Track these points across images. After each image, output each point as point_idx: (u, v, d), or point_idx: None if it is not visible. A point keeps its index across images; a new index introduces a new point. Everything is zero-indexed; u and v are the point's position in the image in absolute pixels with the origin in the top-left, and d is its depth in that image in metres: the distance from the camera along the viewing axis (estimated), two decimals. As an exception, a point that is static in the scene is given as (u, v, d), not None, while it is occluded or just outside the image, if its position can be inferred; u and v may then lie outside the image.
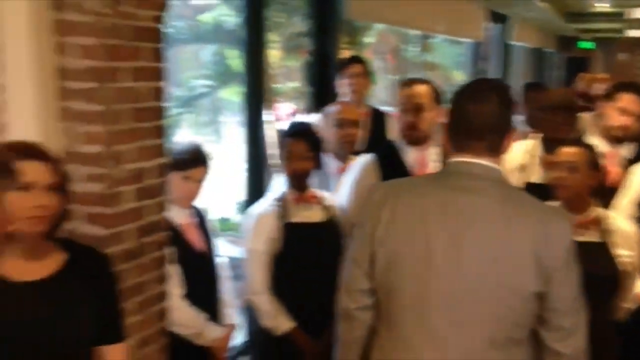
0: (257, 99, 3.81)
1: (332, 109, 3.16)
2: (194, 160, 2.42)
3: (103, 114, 1.96)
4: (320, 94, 4.43)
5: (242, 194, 3.91)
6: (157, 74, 2.14)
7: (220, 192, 5.31)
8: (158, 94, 2.16)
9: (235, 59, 6.47)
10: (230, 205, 5.85)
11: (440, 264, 1.62)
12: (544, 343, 1.69)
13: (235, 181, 6.28)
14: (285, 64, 7.53)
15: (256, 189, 3.72)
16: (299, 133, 2.68)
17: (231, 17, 6.41)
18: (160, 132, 2.18)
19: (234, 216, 6.87)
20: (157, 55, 2.14)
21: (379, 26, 9.18)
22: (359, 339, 1.81)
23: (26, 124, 1.94)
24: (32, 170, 1.59)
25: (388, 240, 1.69)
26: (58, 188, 1.63)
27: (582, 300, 1.71)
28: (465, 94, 1.73)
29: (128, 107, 2.04)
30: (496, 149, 1.68)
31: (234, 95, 7.61)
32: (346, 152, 3.06)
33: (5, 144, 1.68)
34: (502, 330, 1.63)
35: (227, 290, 2.66)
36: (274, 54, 6.18)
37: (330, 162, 3.09)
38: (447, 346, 1.64)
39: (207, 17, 6.47)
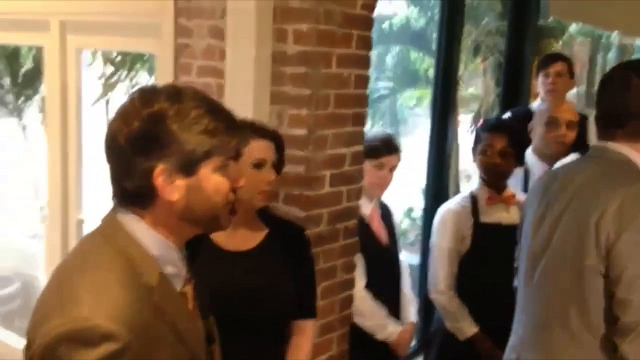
0: (445, 104, 3.74)
1: (544, 106, 2.92)
2: (387, 148, 2.39)
3: (310, 99, 2.00)
4: (510, 96, 4.25)
5: (421, 198, 3.86)
6: (363, 62, 2.15)
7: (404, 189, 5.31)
8: (362, 81, 2.16)
9: (419, 62, 6.44)
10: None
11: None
12: None
13: (415, 184, 6.31)
14: (466, 68, 7.36)
15: (438, 194, 3.67)
16: (499, 127, 2.51)
17: (420, 18, 6.39)
18: (361, 119, 2.18)
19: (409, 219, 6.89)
20: (366, 43, 2.14)
21: (572, 31, 8.62)
22: None
23: (243, 107, 2.04)
24: (264, 148, 1.71)
25: None
26: (279, 166, 1.73)
27: None
28: (607, 79, 1.70)
29: (333, 92, 2.06)
30: (636, 135, 1.62)
31: (414, 98, 7.59)
32: (556, 155, 2.81)
33: (240, 120, 1.78)
34: None
35: (407, 285, 2.61)
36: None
37: (535, 164, 2.88)
38: None
39: (395, 19, 6.50)
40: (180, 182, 1.12)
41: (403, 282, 2.59)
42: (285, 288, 1.75)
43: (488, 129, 2.50)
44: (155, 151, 1.09)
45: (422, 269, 3.42)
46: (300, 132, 2.02)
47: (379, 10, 6.77)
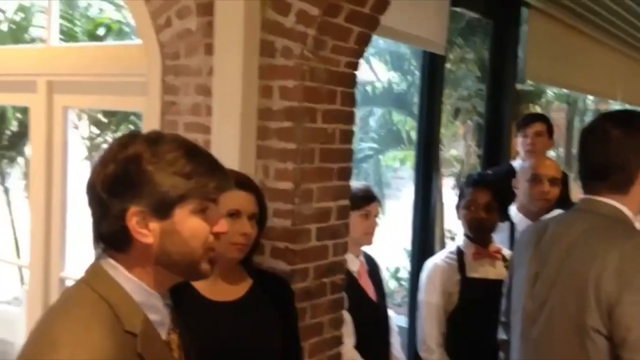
0: (428, 164, 3.80)
1: (527, 163, 2.94)
2: (370, 197, 2.44)
3: (295, 153, 2.03)
4: (491, 157, 4.33)
5: (407, 259, 3.86)
6: (348, 118, 2.19)
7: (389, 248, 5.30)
8: (347, 136, 2.19)
9: (402, 123, 6.57)
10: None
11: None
12: None
13: (400, 245, 6.31)
14: (446, 131, 7.50)
15: (424, 255, 3.68)
16: (482, 182, 2.55)
17: (402, 82, 6.55)
18: (346, 174, 2.20)
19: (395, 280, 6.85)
20: (350, 100, 2.19)
21: (549, 96, 8.87)
22: None
23: (229, 161, 2.04)
24: (240, 199, 1.70)
25: None
26: (258, 219, 1.70)
27: None
28: (587, 133, 1.68)
29: (319, 147, 2.09)
30: (620, 187, 1.59)
31: (397, 159, 7.68)
32: (540, 211, 2.84)
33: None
34: None
35: (396, 344, 2.57)
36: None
37: (521, 221, 2.90)
38: None
39: (377, 83, 6.66)
40: (154, 225, 1.11)
41: (392, 341, 2.56)
42: (273, 340, 1.73)
43: (471, 184, 2.53)
44: (129, 193, 1.10)
45: (411, 331, 3.37)
46: (286, 185, 2.03)
47: (361, 76, 6.96)
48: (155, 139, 1.14)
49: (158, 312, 1.16)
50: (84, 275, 1.16)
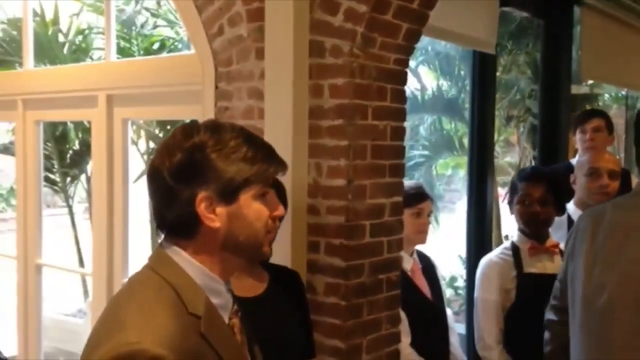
0: (482, 170, 3.76)
1: (586, 157, 2.88)
2: (422, 195, 2.43)
3: (347, 149, 2.04)
4: (547, 159, 4.24)
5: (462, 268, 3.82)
6: (398, 114, 2.19)
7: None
8: (398, 133, 2.20)
9: (453, 130, 6.51)
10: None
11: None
12: None
13: (454, 254, 6.23)
14: (500, 137, 7.37)
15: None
16: (535, 175, 2.50)
17: (451, 88, 6.50)
18: (398, 170, 2.20)
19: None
20: (400, 97, 2.19)
21: (606, 100, 8.63)
22: None
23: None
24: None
25: None
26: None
27: None
28: None
29: (370, 143, 2.10)
30: None
31: (449, 167, 7.60)
32: None
33: None
34: None
35: (456, 342, 2.53)
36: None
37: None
38: None
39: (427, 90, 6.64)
40: (221, 210, 1.15)
41: (451, 340, 2.52)
42: (297, 331, 1.80)
43: (524, 179, 2.48)
44: (196, 180, 1.14)
45: (469, 338, 3.32)
46: (339, 182, 2.05)
47: (410, 84, 6.94)
48: (216, 127, 1.18)
49: (220, 296, 1.19)
50: (148, 262, 1.21)
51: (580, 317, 1.69)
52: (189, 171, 1.14)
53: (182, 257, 1.17)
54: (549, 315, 1.91)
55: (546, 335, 1.94)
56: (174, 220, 1.16)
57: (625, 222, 1.59)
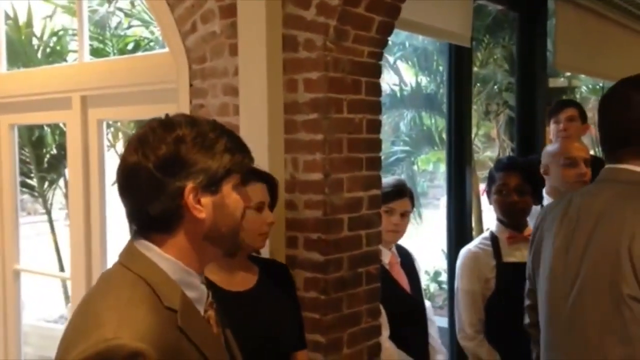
0: (460, 163, 3.78)
1: (555, 146, 2.85)
2: (397, 193, 2.39)
3: (323, 143, 2.04)
4: (525, 151, 4.27)
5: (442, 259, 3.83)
6: (374, 107, 2.19)
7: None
8: (375, 126, 2.20)
9: (433, 125, 6.54)
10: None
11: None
12: None
13: (438, 248, 6.25)
14: (480, 131, 7.41)
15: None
16: (511, 165, 2.51)
17: (430, 83, 6.53)
18: (376, 163, 2.20)
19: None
20: (375, 89, 2.19)
21: (583, 92, 8.72)
22: None
23: (258, 156, 2.07)
24: (262, 191, 1.78)
25: None
26: (272, 207, 1.81)
27: None
28: (607, 100, 1.65)
29: (346, 137, 2.10)
30: None
31: (430, 162, 7.63)
32: None
33: None
34: None
35: (435, 334, 2.54)
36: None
37: None
38: None
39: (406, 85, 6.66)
40: (206, 200, 1.16)
41: (430, 332, 2.53)
42: (290, 324, 1.82)
43: (501, 169, 2.50)
44: (182, 172, 1.14)
45: (451, 331, 3.33)
46: (316, 176, 2.05)
47: (388, 79, 6.96)
48: (193, 121, 1.19)
49: (195, 290, 1.19)
50: (119, 258, 1.19)
51: (549, 307, 1.67)
52: (175, 164, 1.14)
53: (154, 252, 1.16)
54: (526, 319, 1.90)
55: (533, 349, 1.92)
56: (158, 214, 1.15)
57: (593, 209, 1.58)
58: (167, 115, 1.22)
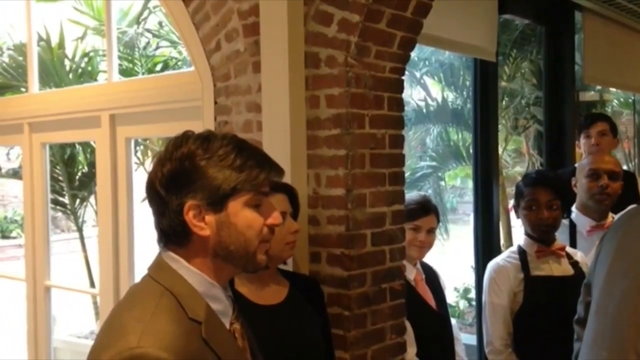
0: (487, 178, 3.74)
1: (585, 160, 2.85)
2: (423, 210, 2.36)
3: (346, 159, 2.04)
4: (553, 165, 4.21)
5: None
6: (396, 123, 2.19)
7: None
8: (397, 141, 2.19)
9: (460, 139, 6.49)
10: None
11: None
12: None
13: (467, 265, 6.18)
14: (508, 147, 7.32)
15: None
16: (541, 180, 2.47)
17: (457, 98, 6.50)
18: (399, 178, 2.19)
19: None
20: (398, 105, 2.19)
21: (615, 105, 8.57)
22: None
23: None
24: (283, 202, 1.78)
25: None
26: (295, 217, 1.82)
27: None
28: None
29: (369, 152, 2.10)
30: None
31: (458, 177, 7.56)
32: (601, 208, 2.74)
33: None
34: None
35: (461, 352, 2.50)
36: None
37: (580, 219, 2.81)
38: None
39: (432, 101, 6.64)
40: (210, 218, 1.16)
41: (457, 350, 2.49)
42: (318, 338, 1.80)
43: (530, 184, 2.46)
44: (185, 188, 1.15)
45: (480, 348, 3.28)
46: (339, 192, 2.05)
47: (415, 95, 6.93)
48: (206, 137, 1.20)
49: (220, 302, 1.20)
50: (148, 270, 1.22)
51: (594, 321, 1.66)
52: (178, 180, 1.16)
53: (179, 264, 1.18)
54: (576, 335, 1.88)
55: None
56: (167, 228, 1.18)
57: (634, 232, 1.60)
58: (185, 132, 1.24)
